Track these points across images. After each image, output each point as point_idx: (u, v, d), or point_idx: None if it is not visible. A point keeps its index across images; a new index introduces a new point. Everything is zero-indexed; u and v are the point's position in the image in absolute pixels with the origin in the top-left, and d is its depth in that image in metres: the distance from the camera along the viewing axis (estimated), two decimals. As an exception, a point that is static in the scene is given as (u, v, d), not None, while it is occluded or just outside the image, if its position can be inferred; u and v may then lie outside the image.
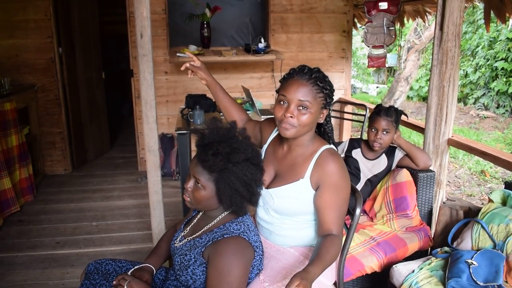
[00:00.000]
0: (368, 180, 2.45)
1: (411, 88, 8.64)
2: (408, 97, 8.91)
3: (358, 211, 1.57)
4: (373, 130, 2.36)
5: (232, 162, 1.33)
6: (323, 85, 1.44)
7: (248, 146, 1.38)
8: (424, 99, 8.77)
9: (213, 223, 1.43)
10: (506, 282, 1.73)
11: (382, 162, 2.44)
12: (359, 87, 10.53)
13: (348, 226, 1.62)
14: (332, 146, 1.55)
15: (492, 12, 3.16)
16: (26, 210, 3.57)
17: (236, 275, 1.28)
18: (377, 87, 10.41)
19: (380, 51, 3.89)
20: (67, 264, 2.76)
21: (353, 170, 2.47)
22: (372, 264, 2.04)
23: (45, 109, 4.23)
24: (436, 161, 2.75)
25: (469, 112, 7.59)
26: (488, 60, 7.68)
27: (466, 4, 3.72)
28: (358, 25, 5.19)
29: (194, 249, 1.38)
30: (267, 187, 1.55)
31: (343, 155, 2.52)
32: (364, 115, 3.51)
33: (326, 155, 1.47)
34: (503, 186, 2.15)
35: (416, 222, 2.29)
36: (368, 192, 2.47)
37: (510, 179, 3.97)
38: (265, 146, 1.67)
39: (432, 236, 2.32)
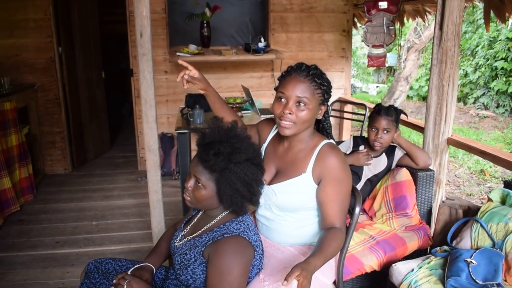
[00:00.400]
0: (368, 179, 2.46)
1: (411, 88, 8.64)
2: (408, 96, 8.91)
3: (357, 210, 1.57)
4: (373, 129, 2.37)
5: (233, 162, 1.33)
6: (320, 81, 1.46)
7: (249, 146, 1.39)
8: (424, 98, 8.77)
9: (213, 222, 1.43)
10: (505, 280, 1.74)
11: (382, 161, 2.44)
12: (359, 87, 10.53)
13: (348, 225, 1.62)
14: (331, 140, 1.56)
15: (492, 11, 3.16)
16: (26, 209, 3.57)
17: (236, 274, 1.28)
18: (377, 86, 10.41)
19: (380, 51, 3.89)
20: (67, 263, 2.76)
21: (355, 168, 2.47)
22: (371, 263, 2.05)
23: (45, 109, 4.23)
24: (436, 160, 2.76)
25: (469, 112, 7.59)
26: (488, 59, 7.69)
27: (466, 4, 3.72)
28: (358, 24, 5.19)
29: (194, 248, 1.39)
30: (269, 184, 1.55)
31: (348, 152, 2.51)
32: (364, 115, 3.52)
33: (327, 149, 1.49)
34: (503, 185, 2.15)
35: (415, 221, 2.29)
36: (367, 191, 2.48)
37: (510, 178, 3.98)
38: (264, 145, 1.67)
39: (432, 235, 2.32)
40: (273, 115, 1.54)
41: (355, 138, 2.58)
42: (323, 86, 1.47)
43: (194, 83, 1.73)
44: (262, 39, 4.06)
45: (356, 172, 2.46)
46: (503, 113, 7.23)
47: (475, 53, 8.09)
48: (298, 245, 1.60)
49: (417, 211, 2.31)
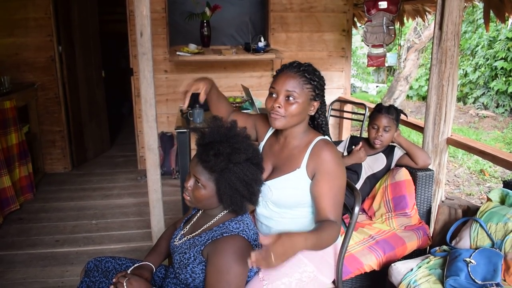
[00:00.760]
0: (367, 178, 2.46)
1: (410, 87, 8.64)
2: (407, 96, 8.91)
3: (357, 209, 1.58)
4: (374, 127, 2.37)
5: (233, 162, 1.33)
6: (310, 76, 1.49)
7: (248, 146, 1.39)
8: (424, 98, 8.77)
9: (212, 221, 1.43)
10: (504, 280, 1.74)
11: (380, 160, 2.44)
12: (359, 86, 10.53)
13: (347, 224, 1.63)
14: (326, 137, 1.58)
15: (491, 11, 3.16)
16: (26, 208, 3.57)
17: (235, 273, 1.29)
18: (376, 86, 10.41)
19: (380, 50, 3.90)
20: (66, 262, 2.76)
21: (354, 167, 2.48)
22: (370, 262, 2.05)
23: (45, 108, 4.23)
24: (435, 160, 2.76)
25: (468, 112, 7.60)
26: (487, 59, 7.69)
27: (465, 4, 3.72)
28: (358, 24, 5.19)
29: (193, 247, 1.39)
30: (265, 180, 1.56)
31: (345, 153, 2.52)
32: (364, 114, 3.52)
33: (321, 144, 1.50)
34: (502, 185, 2.15)
35: (414, 221, 2.29)
36: (367, 191, 2.48)
37: (509, 178, 3.98)
38: (262, 144, 1.68)
39: (431, 234, 2.32)
40: None
41: (351, 138, 2.59)
42: (314, 81, 1.49)
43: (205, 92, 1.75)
44: (262, 39, 4.06)
45: (355, 171, 2.46)
46: (503, 113, 7.23)
47: (475, 53, 8.09)
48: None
49: (416, 211, 2.32)
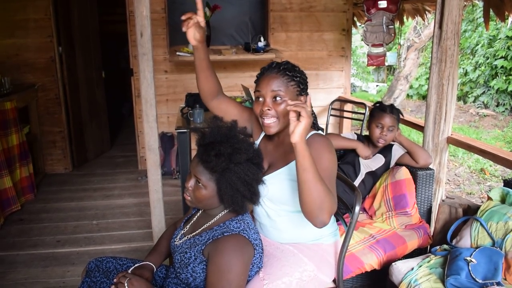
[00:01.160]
0: (367, 174, 2.46)
1: (410, 87, 8.64)
2: (407, 95, 8.91)
3: (357, 208, 1.58)
4: (378, 126, 2.37)
5: (234, 162, 1.34)
6: (292, 73, 1.49)
7: (249, 146, 1.39)
8: (424, 97, 8.77)
9: (213, 221, 1.44)
10: (505, 279, 1.74)
11: (378, 159, 2.45)
12: (359, 86, 10.53)
13: (348, 224, 1.63)
14: (320, 131, 1.58)
15: (491, 10, 3.16)
16: (26, 208, 3.57)
17: (236, 273, 1.29)
18: (376, 85, 10.41)
19: (380, 50, 3.89)
20: (67, 262, 2.77)
21: (352, 162, 2.48)
22: (371, 261, 2.05)
23: (46, 108, 4.24)
24: (436, 159, 2.76)
25: (468, 111, 7.59)
26: (487, 58, 7.68)
27: (465, 3, 3.73)
28: (358, 23, 5.19)
29: (194, 247, 1.39)
30: None
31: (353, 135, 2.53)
32: (364, 114, 3.52)
33: (314, 136, 1.51)
34: (502, 184, 2.16)
35: (415, 220, 2.30)
36: (367, 189, 2.48)
37: (510, 177, 3.98)
38: (257, 142, 1.69)
39: (431, 233, 2.32)
40: None
41: (356, 134, 2.60)
42: (296, 77, 1.50)
43: (196, 32, 1.54)
44: (262, 39, 4.07)
45: (353, 166, 2.47)
46: (503, 111, 7.23)
47: (475, 52, 8.09)
48: (297, 243, 1.61)
49: (417, 210, 2.32)
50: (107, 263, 1.60)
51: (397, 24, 4.24)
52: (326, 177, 1.39)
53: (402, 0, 3.86)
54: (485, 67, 7.71)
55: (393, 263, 1.97)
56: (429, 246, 2.31)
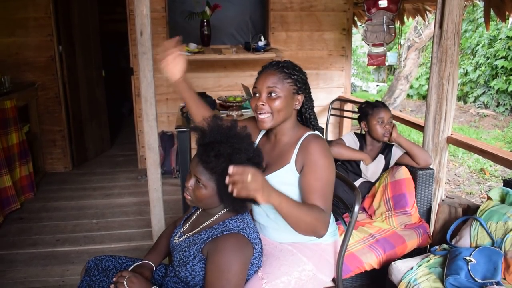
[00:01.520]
0: (366, 181, 2.47)
1: (411, 87, 8.64)
2: (408, 95, 8.91)
3: (356, 208, 1.57)
4: (379, 122, 2.38)
5: (234, 163, 1.33)
6: (289, 71, 1.51)
7: (249, 146, 1.39)
8: (424, 97, 8.77)
9: (212, 219, 1.44)
10: (504, 279, 1.74)
11: (380, 164, 2.45)
12: (359, 85, 10.53)
13: (347, 223, 1.63)
14: (317, 132, 1.58)
15: (492, 10, 3.16)
16: (26, 207, 3.57)
17: (235, 271, 1.29)
18: (377, 85, 10.41)
19: (380, 49, 3.89)
20: (67, 261, 2.77)
21: (355, 168, 2.49)
22: (371, 261, 2.05)
23: (45, 107, 4.24)
24: (436, 159, 2.76)
25: (469, 111, 7.59)
26: (488, 58, 7.68)
27: (466, 3, 3.73)
28: (358, 23, 5.19)
29: (193, 245, 1.39)
30: None
31: (356, 142, 2.53)
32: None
33: (310, 138, 1.52)
34: (502, 184, 2.16)
35: (415, 219, 2.30)
36: (366, 189, 2.48)
37: (509, 177, 3.98)
38: (255, 143, 1.69)
39: (431, 233, 2.32)
40: None
41: (355, 134, 2.60)
42: (293, 75, 1.52)
43: (179, 63, 1.65)
44: (262, 38, 4.06)
45: (357, 166, 2.48)
46: (503, 112, 7.23)
47: (476, 52, 8.09)
48: (296, 243, 1.61)
49: (416, 209, 2.32)
50: (106, 262, 1.60)
51: (397, 24, 4.23)
52: (320, 187, 1.42)
53: (403, -1, 3.86)
54: (486, 67, 7.71)
55: (392, 263, 1.97)
56: (428, 246, 2.31)
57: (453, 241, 2.00)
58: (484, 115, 7.26)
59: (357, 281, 2.23)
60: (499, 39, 7.51)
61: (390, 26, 3.77)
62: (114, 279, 1.39)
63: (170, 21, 4.19)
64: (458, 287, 1.68)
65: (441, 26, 2.57)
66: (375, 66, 5.88)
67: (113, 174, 4.40)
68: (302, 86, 1.54)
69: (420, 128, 3.06)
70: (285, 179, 1.51)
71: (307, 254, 1.56)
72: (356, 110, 4.20)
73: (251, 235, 1.38)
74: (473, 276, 1.67)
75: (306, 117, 1.61)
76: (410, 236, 2.21)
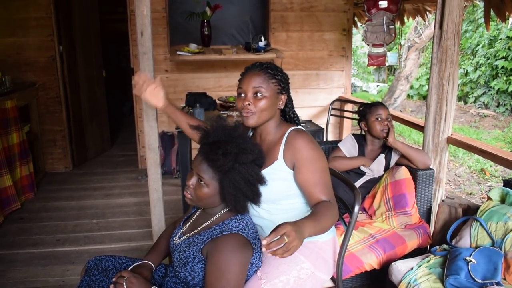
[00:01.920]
0: (368, 181, 2.47)
1: (411, 87, 8.64)
2: (408, 95, 8.91)
3: (356, 208, 1.57)
4: (378, 119, 2.38)
5: (240, 162, 1.34)
6: (274, 72, 1.56)
7: (254, 147, 1.41)
8: (424, 97, 8.77)
9: (212, 220, 1.44)
10: (505, 279, 1.74)
11: (381, 164, 2.45)
12: (359, 86, 10.53)
13: (347, 223, 1.63)
14: (299, 126, 1.63)
15: (492, 10, 3.16)
16: (26, 207, 3.58)
17: (235, 272, 1.29)
18: (377, 85, 10.41)
19: (380, 50, 3.89)
20: (67, 261, 2.77)
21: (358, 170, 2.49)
22: (371, 261, 2.05)
23: (46, 107, 4.24)
24: (436, 159, 2.76)
25: (469, 111, 7.59)
26: (488, 58, 7.68)
27: (466, 3, 3.73)
28: (358, 23, 5.19)
29: (193, 246, 1.39)
30: None
31: (356, 148, 2.52)
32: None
33: (293, 133, 1.56)
34: (502, 184, 2.16)
35: (415, 220, 2.30)
36: (366, 189, 2.48)
37: (509, 177, 3.98)
38: None
39: (431, 233, 2.33)
40: None
41: (354, 136, 2.60)
42: (277, 76, 1.56)
43: (159, 91, 1.87)
44: (263, 38, 4.06)
45: (360, 173, 2.47)
46: (504, 112, 7.23)
47: (476, 52, 8.09)
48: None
49: (416, 210, 2.32)
50: (106, 262, 1.60)
51: (397, 24, 4.23)
52: (319, 178, 1.49)
53: (403, 0, 3.86)
54: (486, 67, 7.71)
55: (392, 263, 1.97)
56: (428, 246, 2.32)
57: (453, 241, 2.00)
58: (484, 116, 7.26)
59: (357, 281, 2.23)
60: (499, 39, 7.51)
61: (390, 27, 3.77)
62: (113, 279, 1.39)
63: (171, 21, 4.20)
64: (458, 287, 1.68)
65: (441, 27, 2.57)
66: (375, 67, 5.89)
67: (113, 174, 4.40)
68: (285, 86, 1.59)
69: (420, 128, 3.06)
70: (276, 175, 1.54)
71: (304, 252, 1.56)
72: (356, 110, 4.20)
73: (251, 235, 1.38)
74: (473, 277, 1.67)
75: (290, 116, 1.67)
76: (410, 236, 2.21)
